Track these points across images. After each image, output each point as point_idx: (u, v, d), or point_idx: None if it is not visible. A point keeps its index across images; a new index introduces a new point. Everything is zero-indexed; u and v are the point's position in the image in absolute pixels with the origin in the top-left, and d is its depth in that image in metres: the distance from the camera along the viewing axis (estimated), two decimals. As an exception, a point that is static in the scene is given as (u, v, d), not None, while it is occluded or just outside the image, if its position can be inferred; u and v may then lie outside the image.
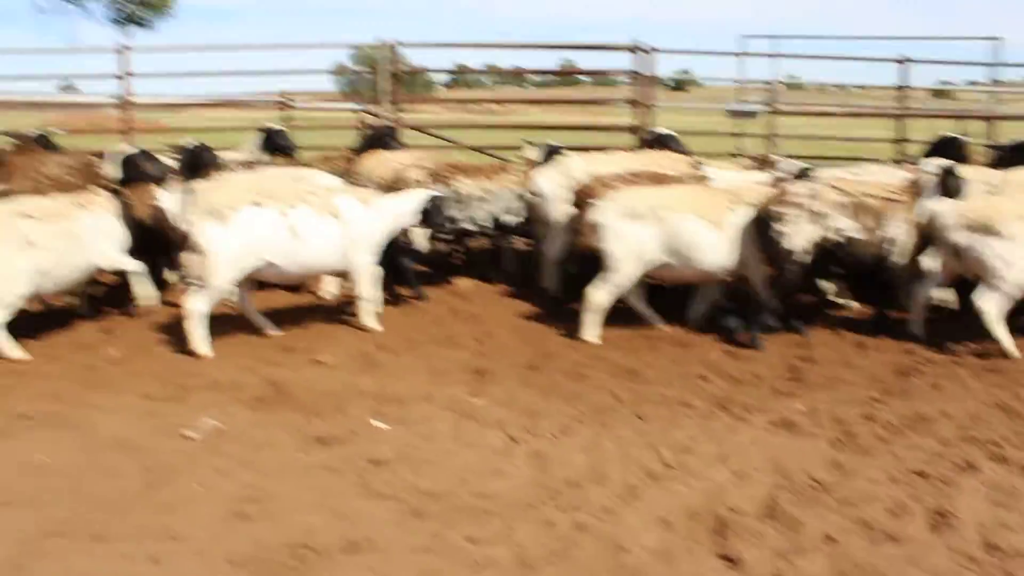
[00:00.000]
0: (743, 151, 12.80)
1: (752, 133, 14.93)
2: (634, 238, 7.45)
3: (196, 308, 7.02)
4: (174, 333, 7.55)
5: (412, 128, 12.21)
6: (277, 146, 9.89)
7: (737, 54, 14.52)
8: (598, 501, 4.69)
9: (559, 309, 8.39)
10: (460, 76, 55.12)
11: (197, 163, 8.40)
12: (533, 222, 9.08)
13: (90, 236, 7.36)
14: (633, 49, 10.70)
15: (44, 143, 9.71)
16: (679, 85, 51.10)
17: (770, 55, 14.49)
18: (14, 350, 6.92)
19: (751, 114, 16.95)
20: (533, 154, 9.38)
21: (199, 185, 7.67)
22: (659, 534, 4.35)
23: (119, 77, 10.83)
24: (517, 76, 61.32)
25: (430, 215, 7.93)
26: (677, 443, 5.40)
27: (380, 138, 9.67)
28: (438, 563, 4.11)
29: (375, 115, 13.59)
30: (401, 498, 4.71)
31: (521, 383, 6.54)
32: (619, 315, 7.81)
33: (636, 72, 11.16)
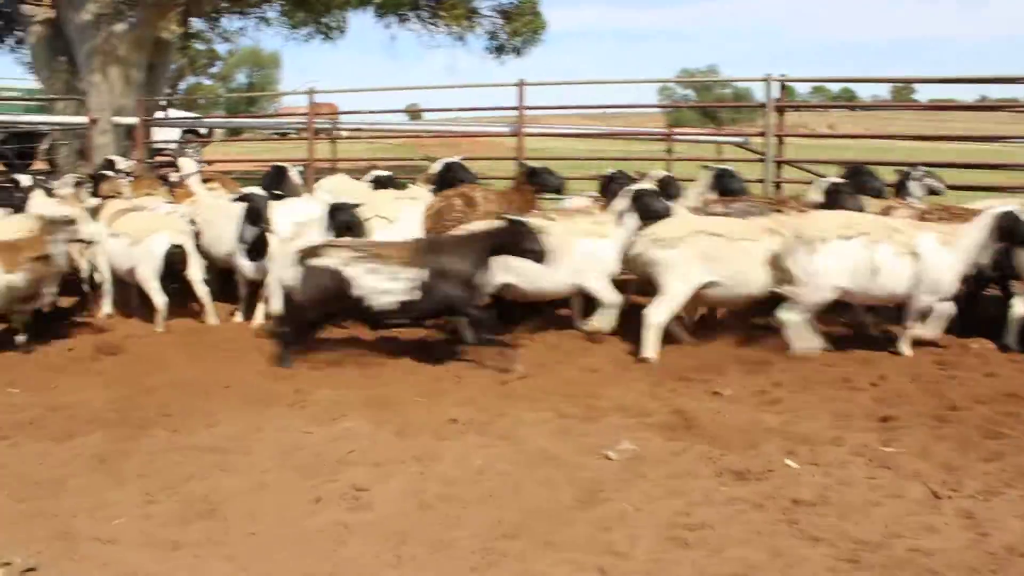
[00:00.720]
0: None
1: None
2: None
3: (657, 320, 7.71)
4: (567, 354, 7.99)
5: (786, 162, 11.96)
6: (727, 187, 9.80)
7: None
8: (1053, 578, 4.31)
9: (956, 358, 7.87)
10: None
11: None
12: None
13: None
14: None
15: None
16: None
17: None
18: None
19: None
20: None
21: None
22: None
23: (516, 109, 11.66)
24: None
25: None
26: None
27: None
28: (890, 616, 3.97)
29: (747, 147, 13.55)
30: (834, 543, 4.60)
31: (933, 435, 6.18)
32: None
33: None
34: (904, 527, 4.81)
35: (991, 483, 5.38)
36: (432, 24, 19.69)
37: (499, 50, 19.84)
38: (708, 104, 42.92)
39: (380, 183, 11.07)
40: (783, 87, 11.25)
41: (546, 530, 4.71)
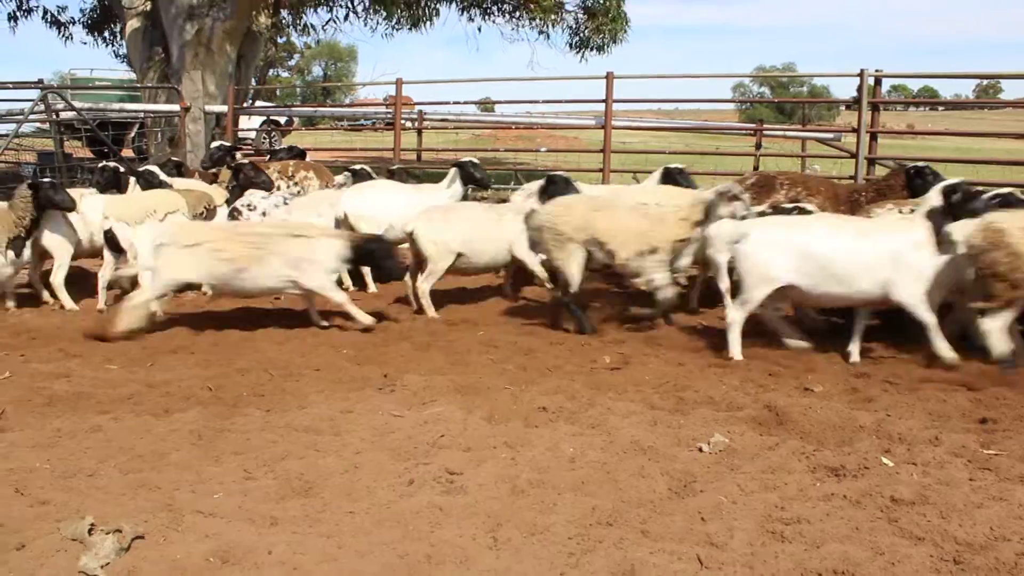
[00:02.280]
0: None
1: None
2: None
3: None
4: (658, 345, 7.99)
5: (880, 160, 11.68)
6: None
7: None
8: None
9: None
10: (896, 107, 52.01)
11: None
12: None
13: None
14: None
15: None
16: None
17: None
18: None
19: None
20: None
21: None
22: None
23: (603, 101, 11.61)
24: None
25: None
26: None
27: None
28: (999, 620, 3.87)
29: (833, 145, 13.31)
30: (936, 543, 4.49)
31: (1034, 439, 6.00)
32: None
33: None
34: (1010, 531, 4.66)
35: (1096, 489, 5.22)
36: (516, 18, 19.68)
37: (582, 45, 19.71)
38: (799, 100, 42.04)
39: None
40: (877, 83, 10.98)
41: (642, 519, 4.69)
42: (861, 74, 10.64)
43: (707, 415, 6.26)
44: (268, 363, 7.51)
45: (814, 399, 6.62)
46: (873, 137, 10.89)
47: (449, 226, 9.20)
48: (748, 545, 4.43)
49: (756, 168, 11.77)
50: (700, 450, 5.63)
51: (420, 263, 9.32)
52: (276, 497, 5.00)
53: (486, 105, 27.83)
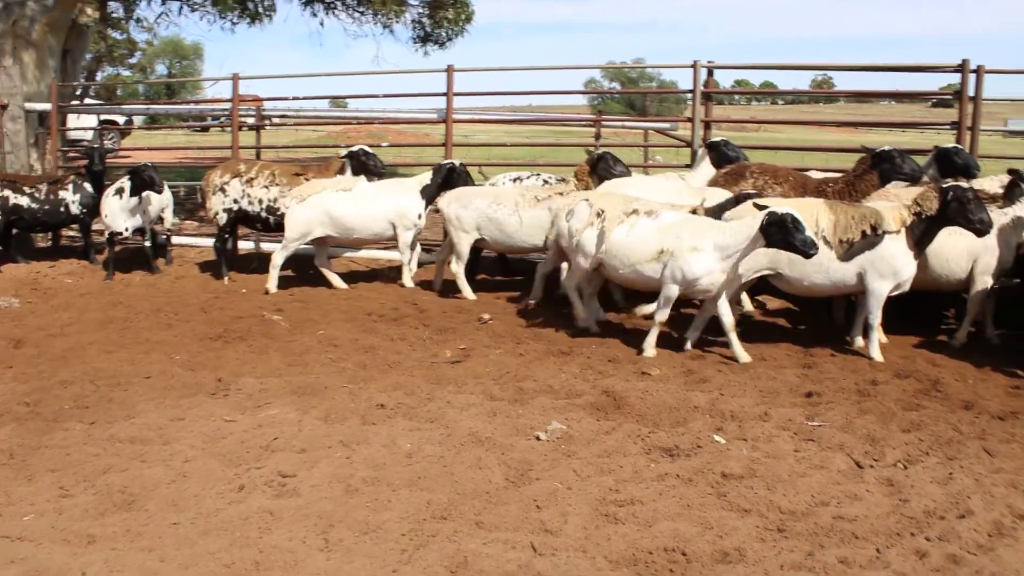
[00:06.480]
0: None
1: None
2: None
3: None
4: (503, 337, 7.98)
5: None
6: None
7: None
8: (968, 536, 4.42)
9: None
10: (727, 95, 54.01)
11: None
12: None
13: None
14: (961, 69, 10.01)
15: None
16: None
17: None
18: None
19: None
20: None
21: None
22: (1047, 578, 4.04)
23: (444, 95, 11.53)
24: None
25: None
26: (1042, 484, 5.00)
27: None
28: (817, 582, 4.02)
29: (669, 134, 13.66)
30: (763, 514, 4.66)
31: (856, 409, 6.30)
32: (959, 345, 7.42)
33: (959, 93, 10.40)
34: (829, 496, 4.89)
35: (911, 452, 5.54)
36: (359, 13, 19.34)
37: (424, 40, 19.56)
38: (636, 91, 43.29)
39: None
40: (710, 74, 11.32)
41: (477, 510, 4.66)
42: (694, 65, 10.96)
43: (546, 403, 6.29)
44: (95, 373, 7.09)
45: (651, 383, 6.76)
46: (707, 126, 11.22)
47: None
48: (582, 529, 4.45)
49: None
50: (537, 438, 5.64)
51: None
52: (95, 514, 4.71)
53: (338, 102, 27.31)
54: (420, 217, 9.99)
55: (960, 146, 9.49)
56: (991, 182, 8.65)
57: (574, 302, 8.24)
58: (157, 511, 4.72)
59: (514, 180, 10.97)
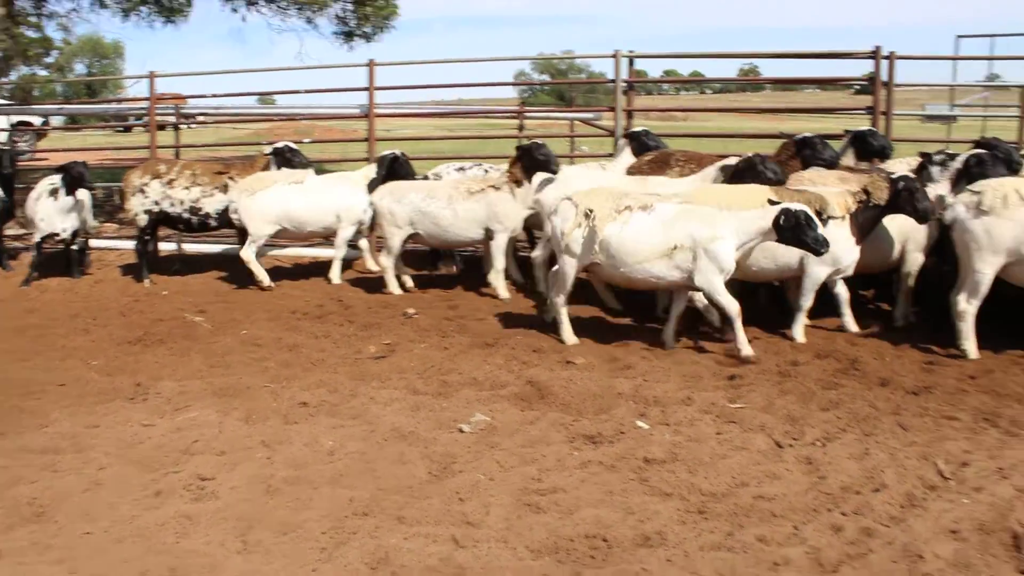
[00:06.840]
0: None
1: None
2: None
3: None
4: (428, 331, 7.93)
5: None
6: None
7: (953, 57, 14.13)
8: (881, 509, 4.53)
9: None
10: (655, 85, 54.45)
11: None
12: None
13: None
14: (874, 55, 10.25)
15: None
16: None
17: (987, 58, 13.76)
18: None
19: (951, 119, 15.91)
20: None
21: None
22: (952, 545, 4.15)
23: (366, 89, 11.42)
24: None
25: None
26: (951, 456, 5.16)
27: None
28: (734, 560, 4.06)
29: (593, 124, 13.72)
30: (684, 496, 4.70)
31: (776, 390, 6.41)
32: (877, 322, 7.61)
33: (873, 79, 10.65)
34: (749, 476, 4.96)
35: (829, 430, 5.65)
36: (282, 8, 19.06)
37: (348, 35, 19.35)
38: (561, 82, 43.63)
39: None
40: (631, 63, 11.40)
41: (399, 505, 4.62)
42: (615, 55, 11.03)
43: (470, 396, 6.27)
44: (6, 382, 6.86)
45: (576, 371, 6.77)
46: (629, 116, 11.30)
47: None
48: (504, 520, 4.44)
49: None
50: (461, 431, 5.61)
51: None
52: (2, 528, 4.55)
53: (267, 99, 26.87)
54: (365, 212, 9.90)
55: (875, 128, 9.74)
56: (901, 165, 8.87)
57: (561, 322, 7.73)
58: (68, 522, 4.58)
59: (458, 170, 10.89)
